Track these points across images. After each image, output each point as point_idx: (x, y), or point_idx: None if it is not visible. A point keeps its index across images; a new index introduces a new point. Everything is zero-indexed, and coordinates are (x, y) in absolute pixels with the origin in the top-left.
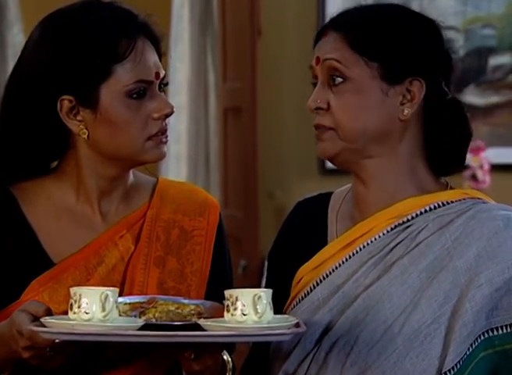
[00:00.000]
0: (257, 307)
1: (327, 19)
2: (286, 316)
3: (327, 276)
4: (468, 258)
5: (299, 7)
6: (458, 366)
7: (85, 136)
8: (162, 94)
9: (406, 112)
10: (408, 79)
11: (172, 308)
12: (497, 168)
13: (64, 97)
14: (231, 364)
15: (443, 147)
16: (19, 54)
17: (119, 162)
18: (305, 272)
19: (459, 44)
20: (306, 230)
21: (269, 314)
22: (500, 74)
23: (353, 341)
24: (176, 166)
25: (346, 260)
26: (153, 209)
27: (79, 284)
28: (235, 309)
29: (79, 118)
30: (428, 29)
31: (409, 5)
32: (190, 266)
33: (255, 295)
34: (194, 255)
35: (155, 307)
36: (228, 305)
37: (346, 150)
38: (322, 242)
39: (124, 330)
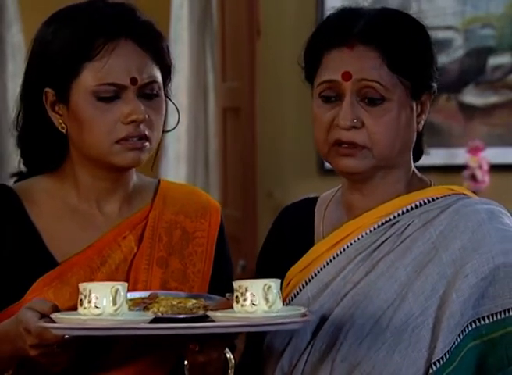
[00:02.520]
0: (268, 297)
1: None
2: (292, 306)
3: (315, 275)
4: (454, 251)
5: (298, 7)
6: (447, 355)
7: (63, 131)
8: (136, 100)
9: (422, 123)
10: (425, 92)
11: (174, 302)
12: (496, 168)
13: (47, 89)
14: (233, 362)
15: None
16: (17, 53)
17: (96, 162)
18: (294, 273)
19: (458, 44)
20: (293, 234)
21: (279, 304)
22: (499, 74)
23: (342, 337)
24: (175, 166)
25: (334, 258)
26: (155, 211)
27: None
28: (244, 300)
29: (60, 112)
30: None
31: (408, 5)
32: (192, 266)
33: (265, 285)
34: (196, 256)
35: (157, 302)
36: (237, 296)
37: (375, 166)
38: (309, 245)
39: (136, 323)
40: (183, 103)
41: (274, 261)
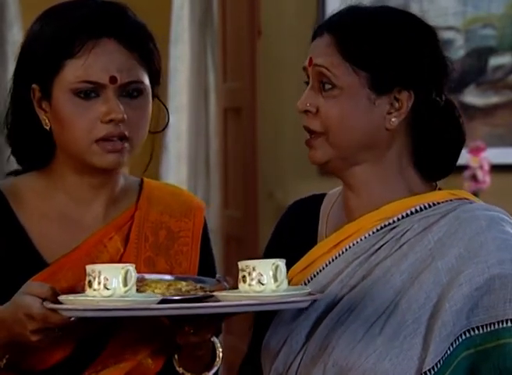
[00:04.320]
0: (277, 276)
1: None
2: (296, 286)
3: (314, 276)
4: (450, 259)
5: (298, 7)
6: (438, 365)
7: (47, 127)
8: (115, 99)
9: (393, 121)
10: (396, 88)
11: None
12: (497, 168)
13: (34, 85)
14: (220, 349)
15: (433, 153)
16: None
17: (78, 161)
18: (295, 273)
19: (459, 44)
20: (298, 230)
21: (286, 283)
22: (500, 74)
23: (335, 341)
24: (176, 167)
25: (333, 260)
26: (141, 210)
27: (72, 285)
28: (252, 279)
29: (46, 109)
30: (422, 37)
31: (409, 6)
32: (178, 266)
33: (273, 264)
34: (182, 255)
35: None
36: (244, 276)
37: (336, 158)
38: (313, 243)
39: (149, 304)
40: (183, 103)
41: (278, 256)
